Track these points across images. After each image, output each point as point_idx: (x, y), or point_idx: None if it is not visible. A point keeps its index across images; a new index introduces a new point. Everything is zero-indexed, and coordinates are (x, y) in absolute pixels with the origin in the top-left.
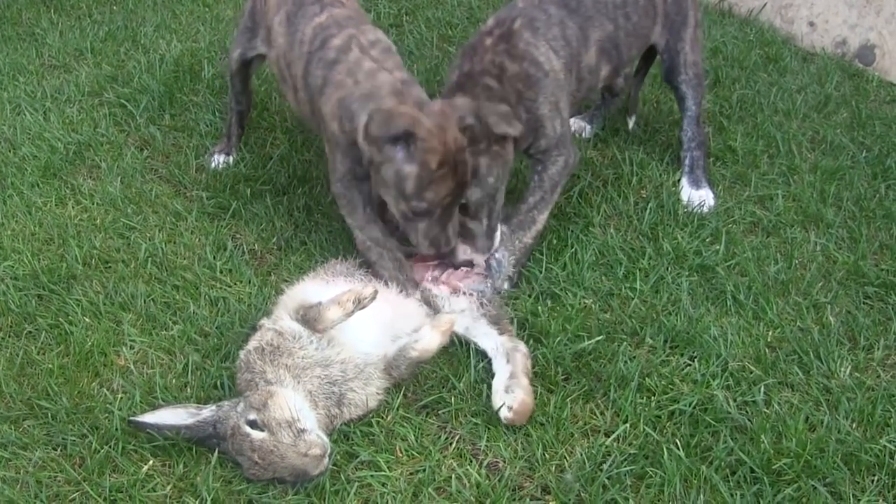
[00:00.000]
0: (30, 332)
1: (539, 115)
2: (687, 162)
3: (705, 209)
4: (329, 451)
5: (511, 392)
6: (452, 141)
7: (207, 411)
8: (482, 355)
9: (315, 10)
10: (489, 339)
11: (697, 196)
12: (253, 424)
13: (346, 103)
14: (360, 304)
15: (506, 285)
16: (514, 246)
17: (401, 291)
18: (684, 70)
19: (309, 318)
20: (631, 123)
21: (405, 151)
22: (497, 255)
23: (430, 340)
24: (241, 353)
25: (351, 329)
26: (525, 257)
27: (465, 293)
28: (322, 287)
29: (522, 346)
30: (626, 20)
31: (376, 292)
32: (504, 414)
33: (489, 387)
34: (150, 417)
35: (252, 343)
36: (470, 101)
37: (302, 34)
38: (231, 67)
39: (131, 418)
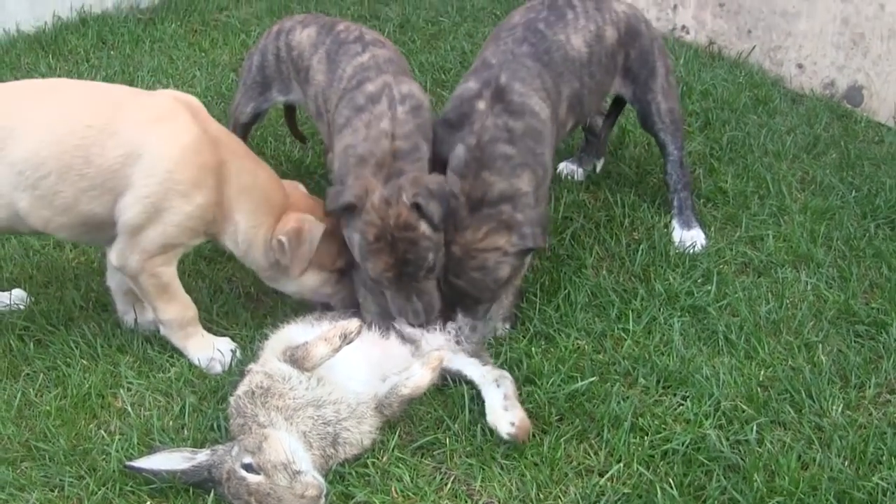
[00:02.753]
0: (28, 373)
1: (546, 166)
2: (676, 203)
3: (697, 248)
4: (325, 492)
5: (510, 410)
6: (394, 217)
7: (202, 455)
8: (478, 396)
9: (357, 49)
10: (473, 369)
11: (689, 236)
12: (248, 468)
13: (348, 154)
14: (346, 339)
15: (507, 325)
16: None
17: (382, 332)
18: (659, 119)
19: (297, 357)
20: (598, 166)
21: (351, 221)
22: (460, 322)
23: (421, 377)
24: (231, 400)
25: (340, 369)
26: (518, 298)
27: (440, 330)
28: (308, 329)
29: (508, 374)
30: (590, 79)
31: (361, 326)
32: (507, 430)
33: (483, 428)
34: (145, 462)
35: (241, 388)
36: (440, 178)
37: (342, 71)
38: (239, 120)
39: (127, 463)
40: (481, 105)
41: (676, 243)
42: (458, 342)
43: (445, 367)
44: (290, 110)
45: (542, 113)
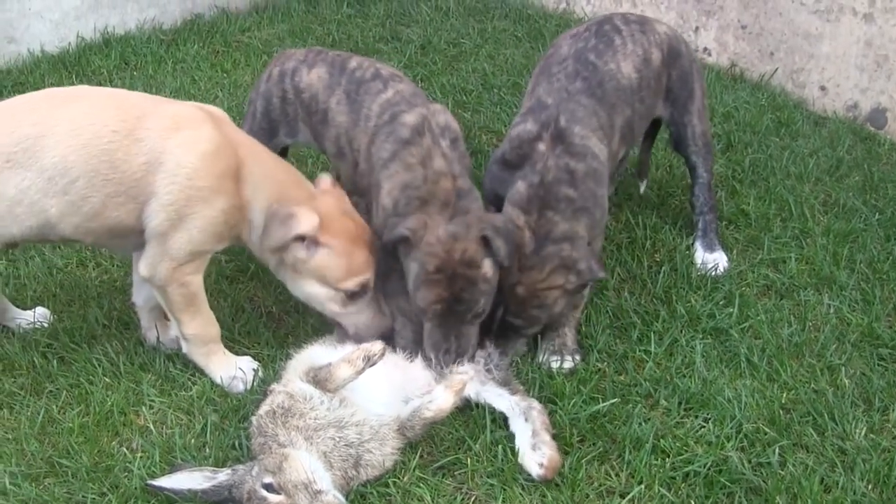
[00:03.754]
0: (51, 391)
1: (605, 208)
2: (700, 226)
3: (719, 270)
4: None
5: (538, 449)
6: (459, 251)
7: (223, 475)
8: (499, 417)
9: (378, 87)
10: (503, 400)
11: (711, 259)
12: (269, 488)
13: (408, 194)
14: (369, 361)
15: (577, 357)
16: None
17: (405, 355)
18: (693, 141)
19: (320, 378)
20: (642, 188)
21: (408, 254)
22: (489, 349)
23: (444, 400)
24: (253, 419)
25: (363, 390)
26: (578, 329)
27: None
28: (331, 351)
29: (536, 404)
30: (640, 104)
31: (385, 349)
32: (536, 472)
33: (504, 448)
34: (166, 481)
35: (263, 408)
36: (504, 217)
37: (368, 110)
38: None
39: (149, 482)
40: (542, 146)
41: (698, 265)
42: (487, 370)
43: (475, 398)
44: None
45: (601, 154)
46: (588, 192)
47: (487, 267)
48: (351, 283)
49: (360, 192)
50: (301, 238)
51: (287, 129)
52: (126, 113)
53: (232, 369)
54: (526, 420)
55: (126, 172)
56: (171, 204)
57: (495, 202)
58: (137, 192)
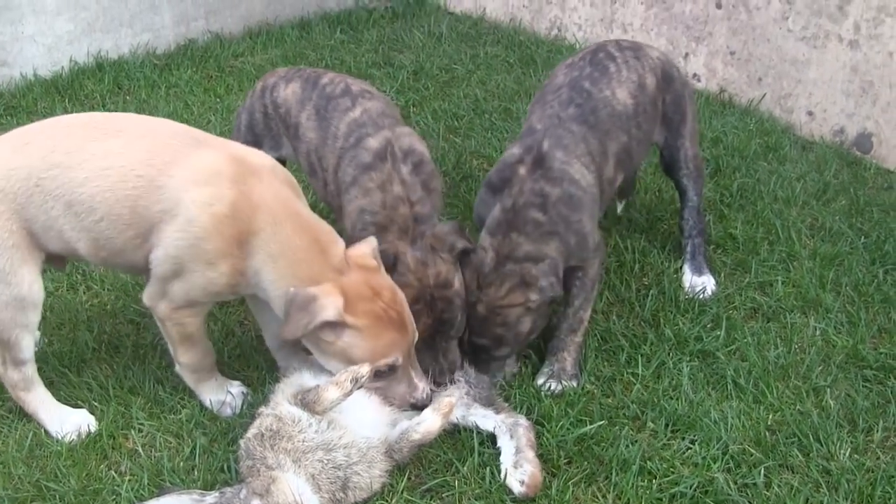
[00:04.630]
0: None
1: (584, 233)
2: (689, 249)
3: (707, 294)
4: None
5: (520, 467)
6: (433, 276)
7: (211, 498)
8: (487, 439)
9: (347, 104)
10: (488, 420)
11: (699, 282)
12: None
13: (365, 218)
14: (357, 383)
15: (574, 383)
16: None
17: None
18: (685, 165)
19: (308, 400)
20: (620, 208)
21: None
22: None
23: (432, 423)
24: (241, 442)
25: (351, 412)
26: (580, 354)
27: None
28: (319, 373)
29: (523, 420)
30: (637, 130)
31: (373, 370)
32: (518, 489)
33: (492, 470)
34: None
35: (251, 430)
36: (455, 225)
37: (336, 129)
38: None
39: None
40: (522, 170)
41: (686, 288)
42: (467, 392)
43: (462, 422)
44: None
45: (582, 180)
46: (558, 217)
47: (458, 283)
48: (378, 365)
49: (330, 209)
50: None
51: (271, 142)
52: (155, 157)
53: (222, 394)
54: (511, 437)
55: (144, 217)
56: (175, 257)
57: (480, 225)
58: (150, 237)
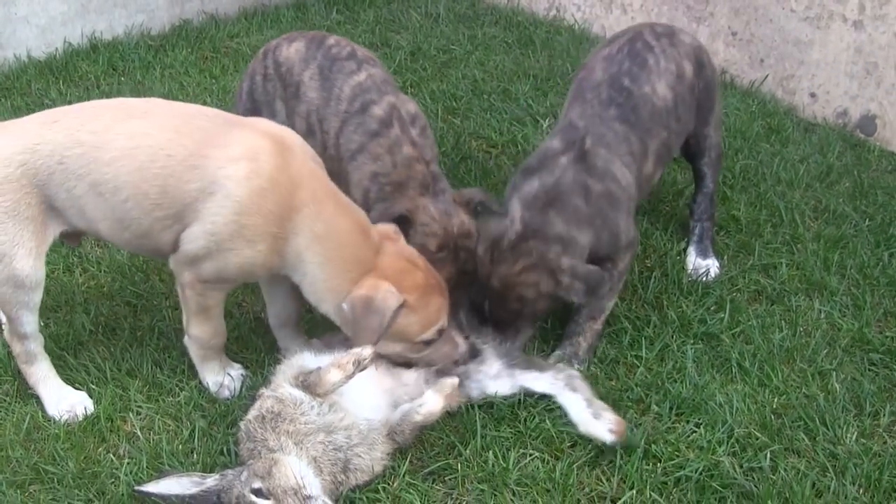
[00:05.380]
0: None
1: (618, 231)
2: (696, 232)
3: (710, 276)
4: None
5: (600, 417)
6: (457, 225)
7: (211, 480)
8: (491, 420)
9: (352, 67)
10: (539, 382)
11: (703, 265)
12: (258, 493)
13: (379, 181)
14: (360, 365)
15: (583, 366)
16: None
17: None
18: (707, 153)
19: (310, 383)
20: None
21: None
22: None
23: (433, 404)
24: (242, 424)
25: (352, 394)
26: (596, 340)
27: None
28: (321, 355)
29: (573, 371)
30: (677, 122)
31: (375, 353)
32: (609, 438)
33: (495, 453)
34: (154, 487)
35: (252, 412)
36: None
37: (340, 91)
38: None
39: (136, 488)
40: (564, 160)
41: (690, 270)
42: (504, 364)
43: (512, 391)
44: None
45: (623, 180)
46: (597, 211)
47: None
48: (428, 335)
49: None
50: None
51: (268, 110)
52: (186, 136)
53: (221, 376)
54: (573, 391)
55: (176, 198)
56: (212, 234)
57: None
58: (184, 216)
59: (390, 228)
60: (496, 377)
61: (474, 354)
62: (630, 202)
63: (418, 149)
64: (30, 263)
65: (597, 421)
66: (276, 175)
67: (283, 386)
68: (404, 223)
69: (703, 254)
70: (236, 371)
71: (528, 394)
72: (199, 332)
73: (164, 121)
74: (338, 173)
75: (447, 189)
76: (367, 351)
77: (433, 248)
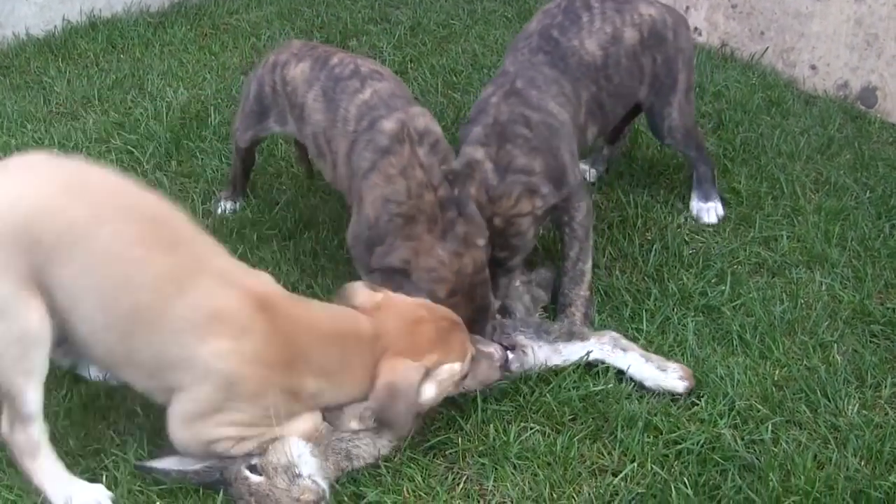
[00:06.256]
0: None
1: (562, 163)
2: (694, 176)
3: (714, 217)
4: (325, 498)
5: (665, 369)
6: (470, 265)
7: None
8: (491, 394)
9: (356, 86)
10: (586, 349)
11: (706, 206)
12: (253, 468)
13: (390, 210)
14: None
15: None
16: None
17: None
18: (669, 134)
19: (329, 418)
20: (607, 151)
21: (406, 282)
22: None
23: (428, 392)
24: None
25: None
26: (589, 309)
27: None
28: None
29: (612, 332)
30: (607, 82)
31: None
32: (682, 385)
33: (496, 427)
34: (157, 462)
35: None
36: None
37: (345, 111)
38: (239, 145)
39: (138, 463)
40: (494, 99)
41: (695, 214)
42: (540, 335)
43: (561, 363)
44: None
45: (559, 115)
46: (542, 137)
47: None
48: (462, 373)
49: (339, 191)
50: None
51: (277, 117)
52: (162, 284)
53: None
54: (625, 351)
55: (157, 357)
56: (210, 402)
57: None
58: (167, 383)
59: (370, 294)
60: (546, 360)
61: (511, 349)
62: (570, 141)
63: (427, 172)
64: (35, 318)
65: (664, 374)
66: (261, 345)
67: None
68: (401, 274)
69: (704, 197)
70: None
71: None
72: None
73: (133, 246)
74: (349, 190)
75: (455, 219)
76: None
77: (443, 294)
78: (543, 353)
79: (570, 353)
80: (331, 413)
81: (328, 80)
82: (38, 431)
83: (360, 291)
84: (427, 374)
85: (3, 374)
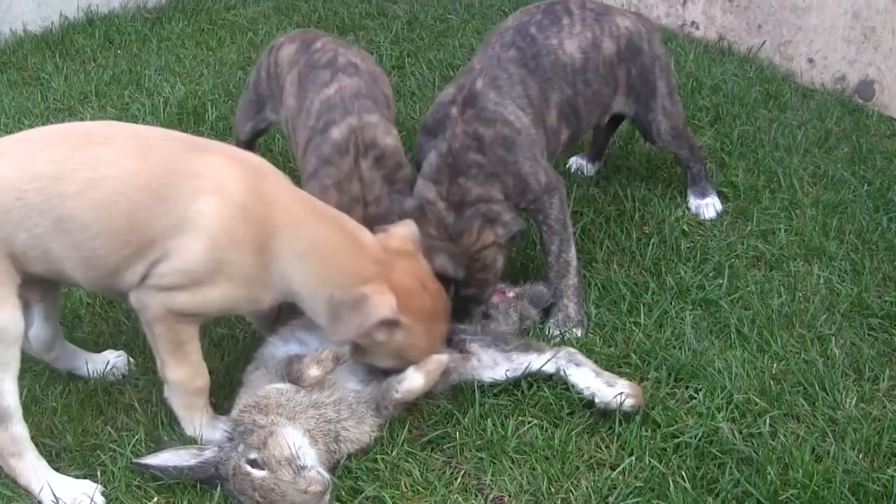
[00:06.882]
0: (34, 370)
1: (523, 174)
2: (689, 177)
3: (713, 212)
4: (330, 488)
5: (613, 385)
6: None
7: (209, 452)
8: (489, 388)
9: (325, 78)
10: (540, 362)
11: (704, 203)
12: (254, 463)
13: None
14: (338, 361)
15: (578, 332)
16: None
17: None
18: (658, 137)
19: (293, 377)
20: (591, 170)
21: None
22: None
23: (413, 381)
24: (229, 421)
25: (340, 368)
26: (580, 297)
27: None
28: (287, 344)
29: (570, 348)
30: (585, 86)
31: (354, 350)
32: (629, 403)
33: (493, 421)
34: (153, 459)
35: (234, 410)
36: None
37: (310, 103)
38: (240, 137)
39: (134, 460)
40: (454, 111)
41: (693, 211)
42: (500, 350)
43: (514, 374)
44: None
45: (516, 122)
46: (496, 158)
47: None
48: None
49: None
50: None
51: (272, 104)
52: (152, 167)
53: (215, 431)
54: (578, 366)
55: (144, 234)
56: (187, 272)
57: (419, 171)
58: (151, 253)
59: (409, 242)
60: (493, 366)
61: (460, 351)
62: (532, 146)
63: (364, 186)
64: (6, 312)
65: (610, 388)
66: (247, 202)
67: (259, 386)
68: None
69: (701, 194)
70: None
71: (532, 376)
72: (178, 374)
73: (128, 146)
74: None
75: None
76: (346, 348)
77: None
78: (490, 358)
79: (522, 363)
80: (293, 371)
81: (305, 66)
82: (19, 429)
83: (407, 226)
84: (397, 325)
85: None
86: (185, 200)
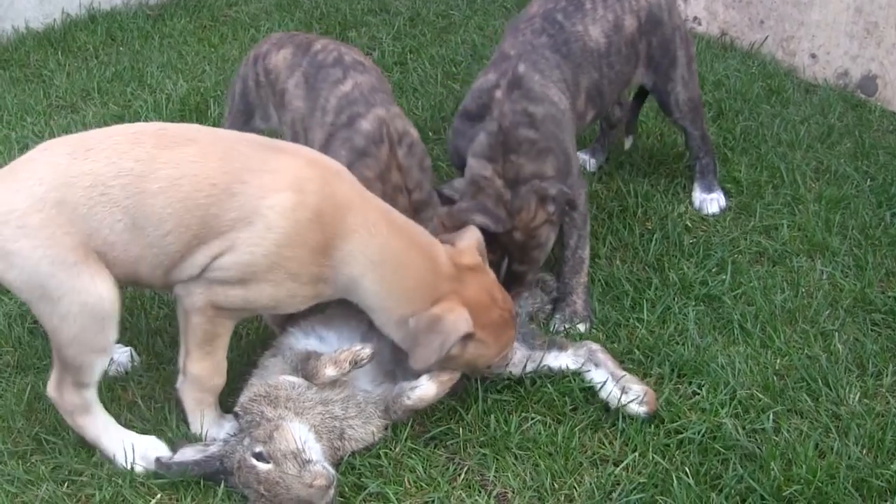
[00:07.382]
0: (38, 367)
1: (569, 154)
2: (697, 168)
3: (717, 208)
4: (334, 482)
5: (629, 390)
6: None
7: (214, 447)
8: (492, 385)
9: (337, 75)
10: (561, 360)
11: (709, 198)
12: (259, 457)
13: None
14: (356, 364)
15: (582, 327)
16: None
17: None
18: (677, 108)
19: (307, 372)
20: (628, 143)
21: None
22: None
23: (425, 390)
24: (236, 409)
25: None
26: (587, 294)
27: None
28: (308, 337)
29: (592, 344)
30: (609, 69)
31: (374, 354)
32: (641, 410)
33: (497, 417)
34: (178, 457)
35: (244, 396)
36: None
37: (325, 101)
38: None
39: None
40: (498, 93)
41: (697, 205)
42: (527, 341)
43: (533, 371)
44: None
45: (560, 103)
46: (549, 134)
47: None
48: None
49: None
50: None
51: (262, 112)
52: (230, 164)
53: (219, 429)
54: (597, 366)
55: (213, 227)
56: (248, 265)
57: (456, 159)
58: (216, 244)
59: (475, 254)
60: (518, 364)
61: None
62: (571, 129)
63: (404, 174)
64: (103, 285)
65: (626, 394)
66: (320, 202)
67: (274, 375)
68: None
69: (707, 189)
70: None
71: (551, 373)
72: (199, 368)
73: (209, 148)
74: None
75: (430, 220)
76: (366, 351)
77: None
78: (519, 357)
79: (544, 360)
80: (308, 368)
81: (310, 67)
82: (92, 394)
83: (472, 235)
84: (473, 338)
85: (77, 351)
86: (259, 195)
